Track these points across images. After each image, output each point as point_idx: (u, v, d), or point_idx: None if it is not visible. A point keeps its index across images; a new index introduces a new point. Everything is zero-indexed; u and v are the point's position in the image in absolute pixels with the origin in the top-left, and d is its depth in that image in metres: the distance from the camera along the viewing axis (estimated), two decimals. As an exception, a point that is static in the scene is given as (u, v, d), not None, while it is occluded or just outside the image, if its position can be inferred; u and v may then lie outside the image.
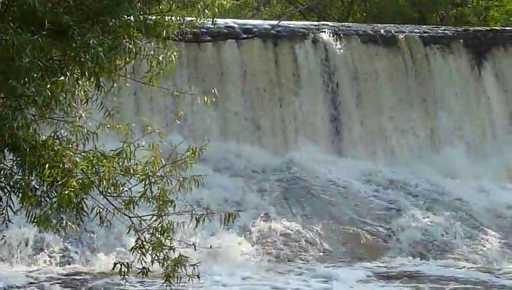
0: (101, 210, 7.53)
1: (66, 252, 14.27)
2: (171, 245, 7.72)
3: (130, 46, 7.44)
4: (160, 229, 7.66)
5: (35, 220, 7.37)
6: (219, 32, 19.48)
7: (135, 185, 7.63)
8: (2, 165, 7.41)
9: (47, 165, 7.02)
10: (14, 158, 7.33)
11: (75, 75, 7.34)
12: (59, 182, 7.08)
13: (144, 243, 7.75)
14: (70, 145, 7.41)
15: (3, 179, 7.40)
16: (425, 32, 22.55)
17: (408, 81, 21.48)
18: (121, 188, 7.54)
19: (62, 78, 7.04)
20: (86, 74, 7.33)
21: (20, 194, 7.29)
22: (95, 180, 7.26)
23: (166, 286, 7.86)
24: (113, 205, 7.59)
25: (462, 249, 16.19)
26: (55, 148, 7.25)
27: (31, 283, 12.85)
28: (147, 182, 7.49)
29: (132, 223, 7.72)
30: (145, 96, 18.37)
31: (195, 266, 7.81)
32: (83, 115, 7.65)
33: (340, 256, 15.52)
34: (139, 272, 7.83)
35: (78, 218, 7.40)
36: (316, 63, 20.62)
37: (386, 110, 21.05)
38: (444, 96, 21.61)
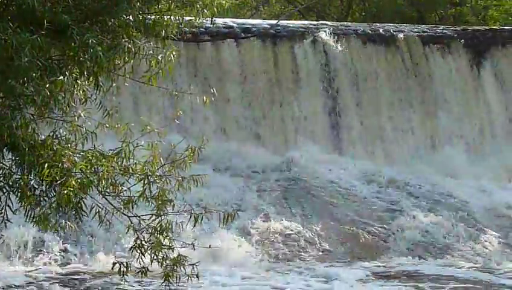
0: (100, 210, 7.53)
1: (65, 252, 14.26)
2: (170, 245, 7.72)
3: (129, 46, 7.45)
4: (159, 228, 7.65)
5: (34, 220, 7.37)
6: (218, 31, 19.44)
7: (134, 184, 7.63)
8: (1, 164, 7.40)
9: (46, 165, 7.03)
10: (13, 158, 7.33)
11: (74, 75, 7.34)
12: (58, 182, 7.09)
13: (143, 242, 7.74)
14: (69, 145, 7.41)
15: (2, 178, 7.40)
16: (424, 31, 22.51)
17: (407, 80, 21.46)
18: (120, 188, 7.54)
19: (61, 77, 7.05)
20: (85, 73, 7.33)
21: (19, 194, 7.29)
22: (94, 180, 7.26)
23: (165, 285, 7.85)
24: (112, 205, 7.59)
25: (462, 248, 16.18)
26: (54, 148, 7.25)
27: (30, 282, 12.82)
28: (146, 182, 7.49)
29: (131, 222, 7.72)
30: (144, 96, 18.34)
31: (195, 266, 7.81)
32: (82, 114, 7.65)
33: (340, 256, 15.50)
34: (138, 272, 7.83)
35: (77, 217, 7.40)
36: (315, 62, 20.59)
37: (386, 110, 21.03)
38: (443, 96, 21.59)
